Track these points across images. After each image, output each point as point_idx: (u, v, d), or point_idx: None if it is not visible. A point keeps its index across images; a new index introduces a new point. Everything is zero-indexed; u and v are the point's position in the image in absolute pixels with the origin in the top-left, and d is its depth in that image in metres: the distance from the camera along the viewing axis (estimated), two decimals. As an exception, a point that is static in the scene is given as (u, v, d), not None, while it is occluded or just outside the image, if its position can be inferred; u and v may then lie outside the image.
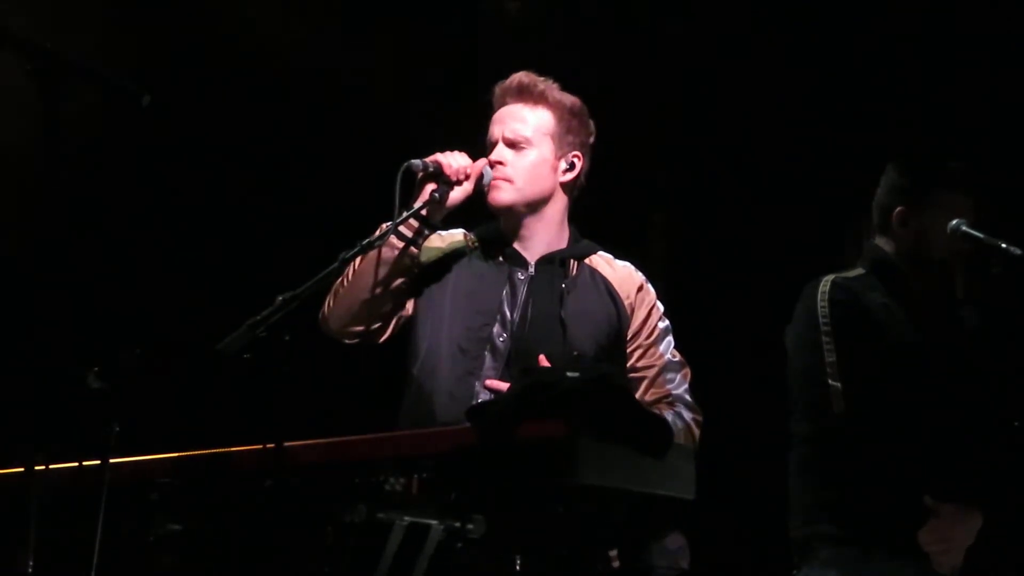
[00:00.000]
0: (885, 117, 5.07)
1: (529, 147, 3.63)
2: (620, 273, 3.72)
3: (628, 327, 3.66)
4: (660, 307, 3.72)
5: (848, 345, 3.67)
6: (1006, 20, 4.97)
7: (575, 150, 3.67)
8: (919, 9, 5.13)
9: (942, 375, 3.71)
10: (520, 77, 3.67)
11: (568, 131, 3.66)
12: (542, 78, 3.68)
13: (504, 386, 3.39)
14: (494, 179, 3.60)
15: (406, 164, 3.51)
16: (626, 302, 3.67)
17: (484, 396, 3.46)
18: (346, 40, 5.24)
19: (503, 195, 3.62)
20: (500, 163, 3.61)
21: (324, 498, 2.97)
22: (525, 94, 3.65)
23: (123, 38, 4.87)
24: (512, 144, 3.63)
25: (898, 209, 3.82)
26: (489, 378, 3.49)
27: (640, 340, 3.66)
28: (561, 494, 2.94)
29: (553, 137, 3.65)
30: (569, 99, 3.68)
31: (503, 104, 3.68)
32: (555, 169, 3.66)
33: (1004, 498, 3.70)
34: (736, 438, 4.86)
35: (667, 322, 3.72)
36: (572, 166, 3.67)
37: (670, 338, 3.70)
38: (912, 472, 3.64)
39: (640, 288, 3.71)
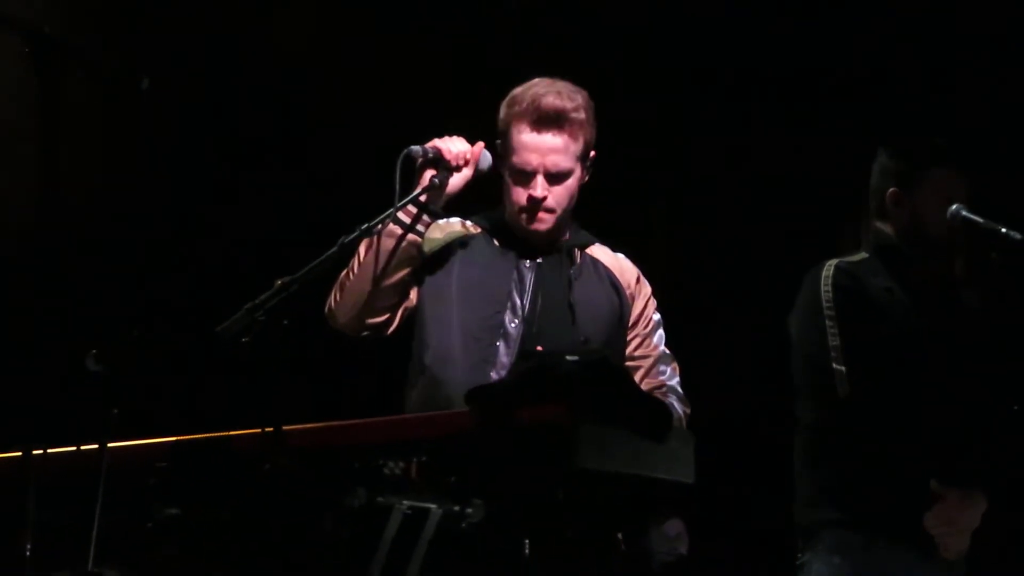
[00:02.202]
0: (884, 108, 5.07)
1: (570, 176, 3.59)
2: (620, 263, 3.75)
3: (629, 316, 3.68)
4: (654, 300, 3.75)
5: (852, 329, 3.68)
6: (1006, 20, 4.98)
7: (592, 150, 3.65)
8: (919, 8, 5.13)
9: (946, 359, 3.72)
10: (554, 103, 3.55)
11: (590, 141, 3.63)
12: (570, 96, 3.58)
13: None
14: (539, 215, 3.57)
15: (406, 151, 3.50)
16: (627, 291, 3.69)
17: None
18: (346, 27, 5.25)
19: (545, 227, 3.60)
20: (543, 199, 3.56)
21: (323, 482, 2.97)
22: (563, 122, 3.56)
23: (122, 23, 4.89)
24: (555, 178, 3.58)
25: (891, 191, 3.84)
26: (503, 365, 3.49)
27: (638, 329, 3.69)
28: (561, 478, 2.94)
29: (584, 155, 3.61)
30: (589, 107, 3.61)
31: (534, 127, 3.56)
32: (581, 180, 3.64)
33: (1008, 482, 3.71)
34: (740, 424, 4.86)
35: (659, 315, 3.74)
36: (590, 167, 3.66)
37: (662, 331, 3.73)
38: (917, 457, 3.64)
39: (638, 279, 3.74)
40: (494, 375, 3.49)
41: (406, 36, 5.22)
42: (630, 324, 3.68)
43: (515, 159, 3.57)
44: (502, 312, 3.57)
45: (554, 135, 3.55)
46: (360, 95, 5.21)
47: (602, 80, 3.76)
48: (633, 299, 3.69)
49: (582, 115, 3.58)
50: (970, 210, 3.70)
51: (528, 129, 3.56)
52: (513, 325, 3.56)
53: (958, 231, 3.74)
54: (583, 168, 3.62)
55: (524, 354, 3.25)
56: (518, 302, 3.58)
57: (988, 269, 3.73)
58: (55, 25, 2.86)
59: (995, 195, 3.81)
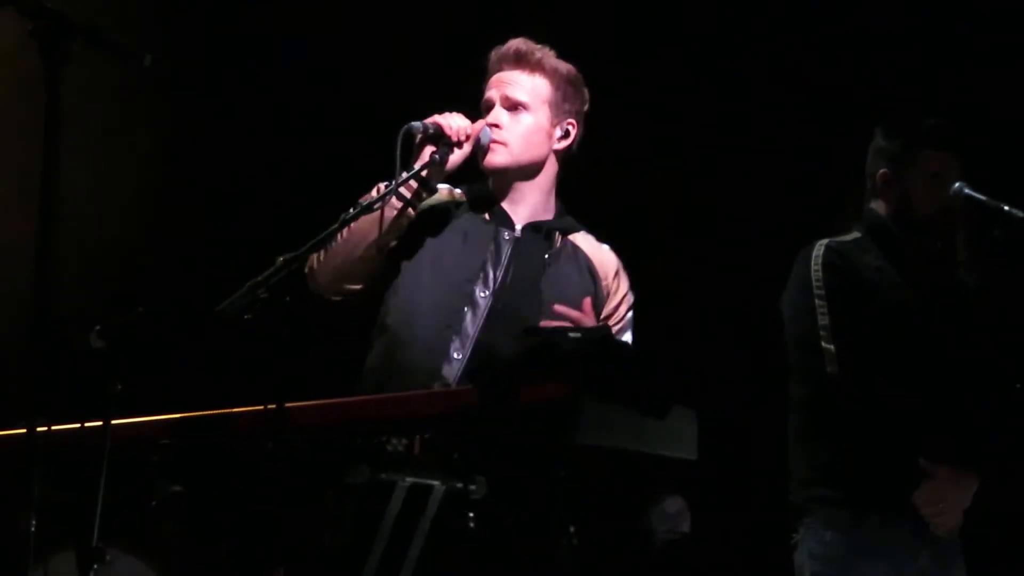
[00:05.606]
0: (880, 91, 5.06)
1: (526, 111, 3.63)
2: (602, 255, 3.74)
3: (602, 308, 3.67)
4: (631, 297, 3.74)
5: (841, 308, 3.72)
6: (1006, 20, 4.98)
7: (570, 118, 3.68)
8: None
9: (937, 337, 3.75)
10: (517, 44, 3.67)
11: (564, 99, 3.67)
12: (539, 45, 3.68)
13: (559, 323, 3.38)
14: (491, 141, 3.61)
15: (406, 126, 3.50)
16: (603, 283, 3.69)
17: (459, 350, 3.47)
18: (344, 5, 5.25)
19: (498, 158, 3.63)
20: (496, 125, 3.62)
21: (326, 459, 2.98)
22: (522, 61, 3.66)
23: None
24: (509, 107, 3.64)
25: (881, 171, 3.88)
26: (467, 334, 3.50)
27: (610, 324, 3.66)
28: (564, 455, 2.95)
29: (550, 104, 3.66)
30: (565, 66, 3.69)
31: (499, 70, 3.68)
32: (550, 136, 3.66)
33: (1001, 460, 3.73)
34: (737, 403, 4.87)
35: (632, 314, 3.73)
36: (567, 134, 3.68)
37: (631, 333, 3.72)
38: (906, 434, 3.67)
39: (616, 273, 3.73)
40: (456, 342, 3.49)
41: (406, 10, 5.22)
42: (601, 317, 3.66)
43: (482, 101, 3.67)
44: (474, 281, 3.56)
45: (514, 71, 3.65)
46: (360, 69, 5.21)
47: (607, 67, 3.76)
48: (609, 293, 3.69)
49: (545, 61, 3.66)
50: (972, 188, 3.72)
51: (492, 72, 3.68)
52: (483, 296, 3.55)
53: (955, 210, 3.76)
54: (550, 121, 3.65)
55: (528, 330, 3.24)
56: (491, 274, 3.59)
57: (989, 247, 3.74)
58: (58, 3, 2.85)
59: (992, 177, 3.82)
